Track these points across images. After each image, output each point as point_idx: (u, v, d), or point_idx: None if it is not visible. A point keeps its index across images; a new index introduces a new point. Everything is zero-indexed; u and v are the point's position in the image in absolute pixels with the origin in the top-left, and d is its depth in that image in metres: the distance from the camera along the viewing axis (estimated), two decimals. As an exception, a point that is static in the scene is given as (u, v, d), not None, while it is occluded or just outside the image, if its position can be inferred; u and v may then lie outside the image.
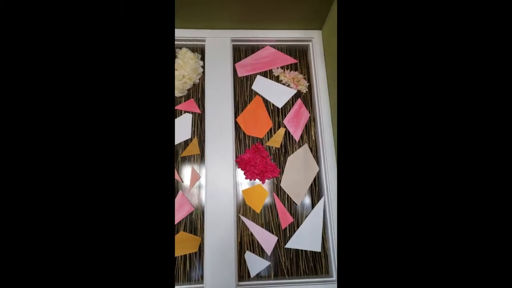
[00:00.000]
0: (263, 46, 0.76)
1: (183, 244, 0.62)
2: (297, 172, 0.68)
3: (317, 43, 0.74)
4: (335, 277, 0.61)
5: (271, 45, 0.76)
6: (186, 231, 0.63)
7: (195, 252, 0.62)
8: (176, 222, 0.63)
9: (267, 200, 0.66)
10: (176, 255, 0.62)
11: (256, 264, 0.62)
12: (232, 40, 0.73)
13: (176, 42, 0.73)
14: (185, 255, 0.62)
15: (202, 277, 0.60)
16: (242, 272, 0.62)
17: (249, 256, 0.63)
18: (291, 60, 0.75)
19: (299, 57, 0.76)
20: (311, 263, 0.63)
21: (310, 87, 0.74)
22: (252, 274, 0.62)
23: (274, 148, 0.69)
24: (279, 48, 0.76)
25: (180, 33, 0.72)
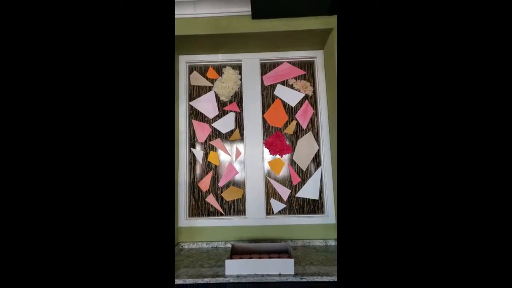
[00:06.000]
0: (281, 63, 1.08)
1: (232, 193, 1.03)
2: (303, 150, 1.03)
3: (320, 60, 1.05)
4: (326, 214, 0.99)
5: (287, 62, 1.08)
6: (234, 186, 1.03)
7: (240, 198, 1.03)
8: (227, 181, 1.03)
9: (284, 167, 1.04)
10: (228, 199, 1.03)
11: (277, 206, 1.01)
12: (260, 60, 1.07)
13: (222, 63, 1.08)
14: (233, 200, 1.03)
15: (244, 212, 1.01)
16: (269, 210, 1.02)
17: (272, 201, 1.02)
18: (301, 72, 1.07)
19: (307, 69, 1.08)
20: (312, 206, 1.01)
21: (314, 91, 1.06)
22: (275, 212, 1.01)
23: (288, 134, 1.05)
24: (293, 64, 1.08)
25: (225, 57, 1.07)
